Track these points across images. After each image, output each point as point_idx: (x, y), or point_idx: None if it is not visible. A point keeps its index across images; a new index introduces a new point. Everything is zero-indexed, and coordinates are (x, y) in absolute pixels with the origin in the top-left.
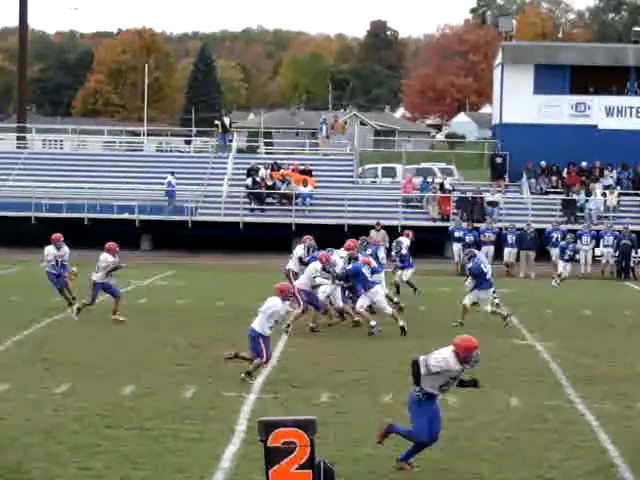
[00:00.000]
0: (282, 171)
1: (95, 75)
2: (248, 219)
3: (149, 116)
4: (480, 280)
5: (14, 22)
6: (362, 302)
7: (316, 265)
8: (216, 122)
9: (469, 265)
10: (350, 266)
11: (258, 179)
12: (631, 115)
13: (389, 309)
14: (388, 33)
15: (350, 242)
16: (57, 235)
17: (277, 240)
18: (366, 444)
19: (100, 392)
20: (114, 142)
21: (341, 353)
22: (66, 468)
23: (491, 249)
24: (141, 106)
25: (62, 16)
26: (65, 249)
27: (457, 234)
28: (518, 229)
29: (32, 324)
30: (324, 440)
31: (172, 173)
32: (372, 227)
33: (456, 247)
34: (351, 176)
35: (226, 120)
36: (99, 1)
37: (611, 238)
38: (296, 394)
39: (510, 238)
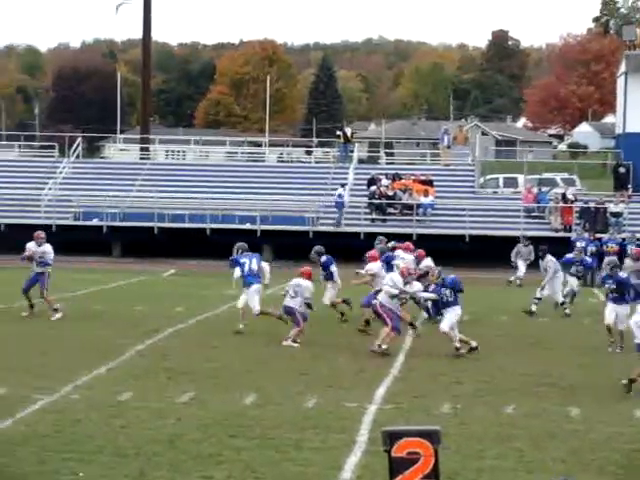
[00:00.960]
0: (403, 181)
1: (217, 86)
2: (369, 229)
3: (270, 127)
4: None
5: (137, 34)
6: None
7: (395, 277)
8: (338, 132)
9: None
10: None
11: (380, 189)
12: None
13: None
14: (510, 43)
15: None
16: (38, 232)
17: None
18: (489, 455)
19: (222, 401)
20: (236, 153)
21: (459, 364)
22: (188, 477)
23: (614, 260)
24: (263, 117)
25: (185, 27)
26: (46, 248)
27: (579, 244)
28: (639, 239)
29: (155, 334)
30: (446, 451)
31: (342, 185)
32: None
33: None
34: (472, 186)
35: (348, 130)
36: (221, 12)
37: None
38: (417, 404)
39: (630, 249)
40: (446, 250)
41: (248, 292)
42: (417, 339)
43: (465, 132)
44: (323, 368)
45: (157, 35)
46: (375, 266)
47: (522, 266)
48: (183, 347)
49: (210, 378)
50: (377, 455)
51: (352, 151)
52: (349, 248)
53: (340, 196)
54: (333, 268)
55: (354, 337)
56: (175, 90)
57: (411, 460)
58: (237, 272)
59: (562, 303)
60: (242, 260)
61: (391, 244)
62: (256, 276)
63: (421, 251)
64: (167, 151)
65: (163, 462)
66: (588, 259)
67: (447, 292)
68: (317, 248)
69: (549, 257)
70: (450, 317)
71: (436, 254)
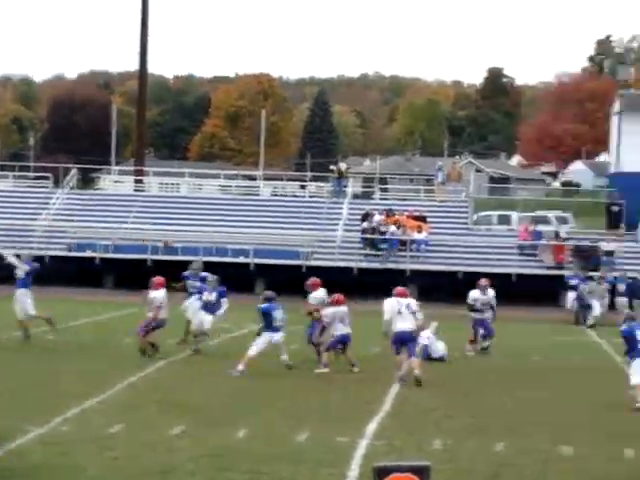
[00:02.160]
0: (396, 217)
1: (212, 119)
2: (362, 264)
3: (265, 160)
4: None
5: (133, 66)
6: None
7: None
8: (332, 167)
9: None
10: None
11: (373, 224)
12: None
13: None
14: (504, 80)
15: None
16: None
17: (391, 285)
18: None
19: (214, 435)
20: (230, 186)
21: (452, 399)
22: None
23: (606, 299)
24: (257, 150)
25: (181, 60)
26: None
27: (572, 282)
28: (630, 278)
29: (147, 366)
30: None
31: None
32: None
33: (571, 296)
34: (466, 223)
35: (342, 166)
36: (217, 45)
37: None
38: (408, 440)
39: (621, 287)
40: (440, 286)
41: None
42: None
43: (459, 169)
44: (314, 402)
45: (153, 67)
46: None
47: (596, 305)
48: (175, 379)
49: (201, 411)
50: None
51: (346, 186)
52: (342, 283)
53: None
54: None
55: (345, 371)
56: (170, 122)
57: None
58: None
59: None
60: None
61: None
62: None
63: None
64: (161, 183)
65: None
66: None
67: None
68: (266, 294)
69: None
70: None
71: (430, 290)
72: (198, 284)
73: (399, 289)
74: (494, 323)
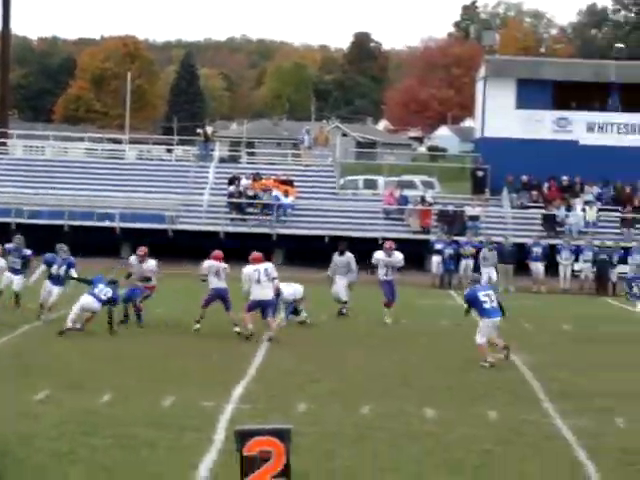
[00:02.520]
0: (263, 181)
1: (77, 82)
2: (229, 229)
3: (131, 124)
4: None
5: None
6: None
7: None
8: (198, 131)
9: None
10: None
11: (240, 189)
12: (612, 131)
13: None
14: (372, 45)
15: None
16: None
17: (258, 250)
18: (342, 455)
19: (77, 399)
20: (96, 149)
21: (319, 363)
22: (43, 476)
23: (470, 263)
24: (123, 114)
25: (44, 21)
26: None
27: (437, 247)
28: (496, 243)
29: (10, 331)
30: (299, 451)
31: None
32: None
33: (435, 260)
34: (333, 187)
35: (208, 129)
36: (82, 7)
37: (590, 253)
38: (273, 404)
39: (484, 252)
40: (307, 250)
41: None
42: (276, 337)
43: (326, 133)
44: (180, 366)
45: (16, 28)
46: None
47: (492, 273)
48: (38, 345)
49: (65, 376)
50: (233, 454)
51: (213, 150)
52: (209, 247)
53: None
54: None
55: (216, 335)
56: (34, 84)
57: (263, 458)
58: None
59: (344, 302)
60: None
61: None
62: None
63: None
64: (25, 146)
65: (17, 460)
66: None
67: None
68: None
69: (349, 254)
70: None
71: (297, 254)
72: (18, 260)
73: (255, 255)
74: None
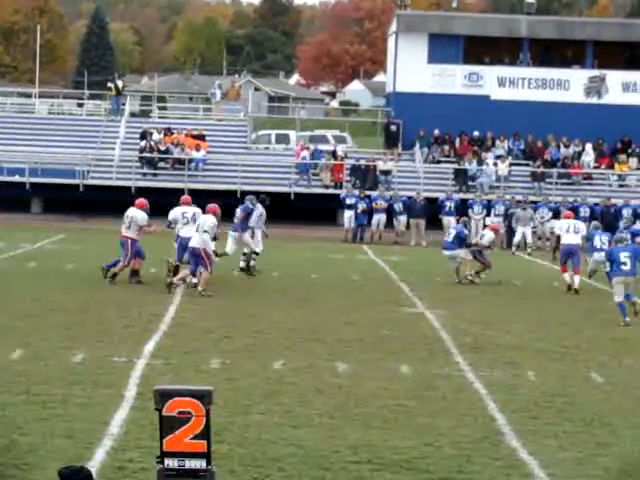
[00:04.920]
0: (175, 135)
1: None
2: (140, 183)
3: (41, 78)
4: None
5: None
6: None
7: None
8: (109, 85)
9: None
10: None
11: (151, 143)
12: (523, 86)
13: None
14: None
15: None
16: None
17: (169, 205)
18: (256, 411)
19: None
20: (5, 103)
21: (231, 319)
22: None
23: (383, 217)
24: (32, 67)
25: None
26: None
27: (348, 201)
28: (408, 197)
29: None
30: (214, 407)
31: (307, 148)
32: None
33: (347, 214)
34: (245, 142)
35: (119, 83)
36: None
37: (502, 207)
38: (186, 360)
39: (398, 206)
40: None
41: None
42: (189, 294)
43: (237, 87)
44: (91, 322)
45: None
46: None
47: (524, 231)
48: None
49: None
50: (145, 410)
51: (124, 104)
52: (120, 202)
53: (304, 158)
54: None
55: (125, 291)
56: None
57: (182, 420)
58: None
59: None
60: None
61: None
62: None
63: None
64: None
65: None
66: None
67: None
68: None
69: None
70: None
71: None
72: None
73: (185, 198)
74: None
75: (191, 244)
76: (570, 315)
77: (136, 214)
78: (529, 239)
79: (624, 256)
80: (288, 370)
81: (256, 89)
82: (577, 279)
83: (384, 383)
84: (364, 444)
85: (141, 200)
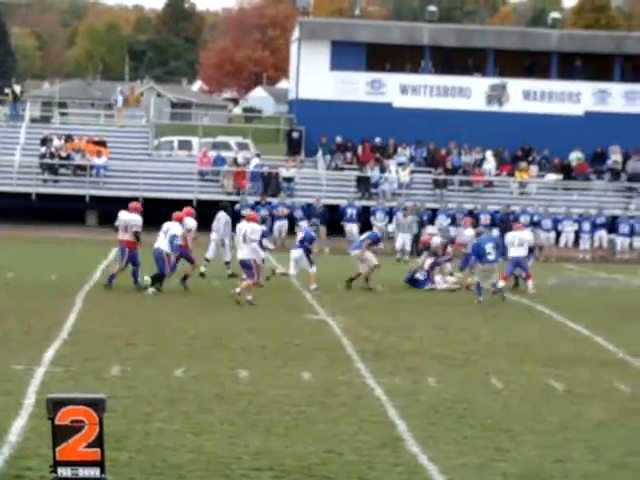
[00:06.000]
0: (76, 142)
1: None
2: (41, 190)
3: None
4: None
5: None
6: None
7: None
8: (6, 91)
9: None
10: None
11: (52, 150)
12: (425, 94)
13: None
14: (186, 5)
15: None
16: None
17: (70, 211)
18: (157, 418)
19: None
20: None
21: (134, 326)
22: None
23: (285, 224)
24: None
25: None
26: None
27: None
28: (307, 204)
29: None
30: (114, 415)
31: (258, 155)
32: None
33: None
34: (147, 148)
35: (16, 88)
36: None
37: (415, 217)
38: (86, 367)
39: (298, 213)
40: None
41: None
42: (89, 301)
43: (138, 94)
44: None
45: None
46: None
47: (404, 238)
48: None
49: None
50: (44, 418)
51: (24, 110)
52: (20, 209)
53: (257, 166)
54: None
55: (25, 298)
56: None
57: (75, 428)
58: None
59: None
60: None
61: None
62: None
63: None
64: None
65: None
66: None
67: None
68: None
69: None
70: None
71: (111, 216)
72: None
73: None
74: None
75: (240, 256)
76: (470, 321)
77: (129, 217)
78: (407, 247)
79: (489, 247)
80: (189, 377)
81: (159, 95)
82: (530, 283)
83: (285, 390)
84: (265, 451)
85: (135, 204)
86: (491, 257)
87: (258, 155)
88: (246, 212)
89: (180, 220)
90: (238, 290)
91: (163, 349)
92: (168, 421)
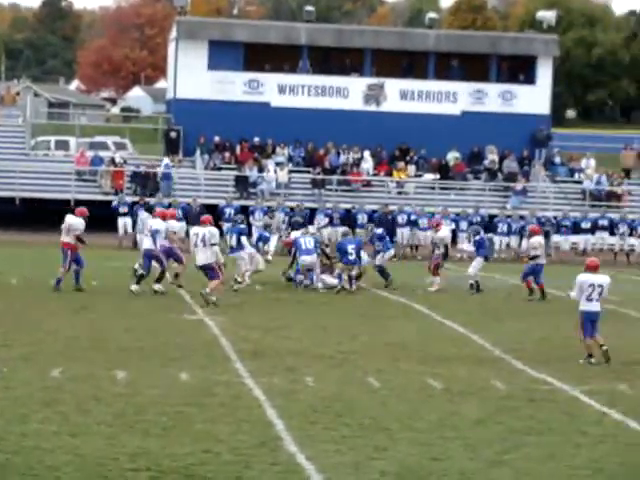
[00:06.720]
0: None
1: None
2: None
3: None
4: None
5: None
6: None
7: None
8: None
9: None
10: None
11: None
12: (303, 93)
13: None
14: (63, 4)
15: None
16: None
17: None
18: (33, 419)
19: None
20: None
21: (10, 327)
22: None
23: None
24: None
25: None
26: None
27: (122, 210)
28: (187, 204)
29: None
30: None
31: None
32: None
33: (121, 222)
34: (23, 148)
35: None
36: None
37: (281, 215)
38: None
39: (178, 212)
40: None
41: None
42: None
43: (14, 93)
44: None
45: None
46: None
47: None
48: None
49: None
50: None
51: None
52: None
53: (167, 166)
54: None
55: None
56: None
57: None
58: None
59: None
60: None
61: None
62: None
63: None
64: None
65: None
66: None
67: None
68: None
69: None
70: None
71: None
72: None
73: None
74: None
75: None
76: (347, 321)
77: (74, 221)
78: (272, 247)
79: (350, 248)
80: (66, 378)
81: (35, 95)
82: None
83: (163, 390)
84: (143, 452)
85: (81, 209)
86: (351, 257)
87: (168, 155)
88: (203, 217)
89: (163, 217)
90: (208, 290)
91: (39, 350)
92: (45, 422)
